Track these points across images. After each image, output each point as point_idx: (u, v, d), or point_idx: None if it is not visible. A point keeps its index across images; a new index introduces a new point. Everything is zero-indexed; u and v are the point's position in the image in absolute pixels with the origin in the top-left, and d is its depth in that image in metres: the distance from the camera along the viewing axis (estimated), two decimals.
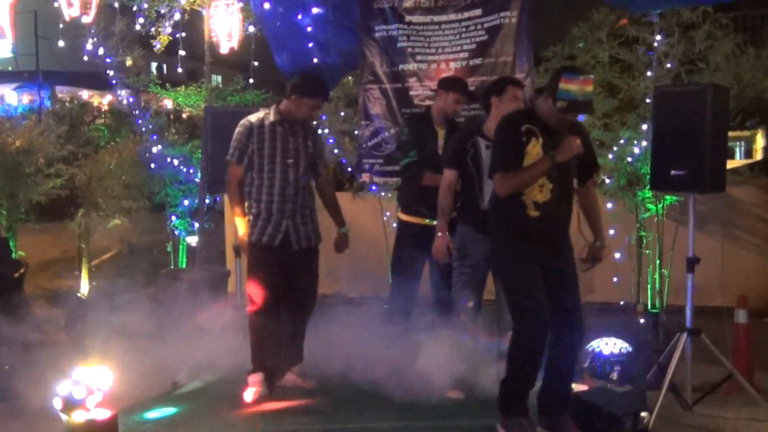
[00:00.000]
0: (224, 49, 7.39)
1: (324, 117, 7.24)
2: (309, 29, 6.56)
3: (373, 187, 6.51)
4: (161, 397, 4.65)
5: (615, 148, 6.44)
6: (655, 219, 6.37)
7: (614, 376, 4.35)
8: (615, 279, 6.18)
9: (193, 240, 7.69)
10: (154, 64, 24.63)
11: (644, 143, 6.09)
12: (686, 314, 4.49)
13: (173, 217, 7.81)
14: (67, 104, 20.23)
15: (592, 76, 3.70)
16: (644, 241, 6.45)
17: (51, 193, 7.65)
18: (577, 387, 4.20)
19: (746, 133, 14.50)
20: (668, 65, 6.20)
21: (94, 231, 7.83)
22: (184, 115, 11.50)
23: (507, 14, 5.83)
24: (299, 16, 6.58)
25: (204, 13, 7.42)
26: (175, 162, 7.64)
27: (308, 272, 4.72)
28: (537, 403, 3.90)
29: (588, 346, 4.59)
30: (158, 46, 7.63)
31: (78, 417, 3.17)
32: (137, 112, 7.71)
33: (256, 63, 8.05)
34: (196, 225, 7.55)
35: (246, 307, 4.70)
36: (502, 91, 4.46)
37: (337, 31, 6.55)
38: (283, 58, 6.75)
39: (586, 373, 4.50)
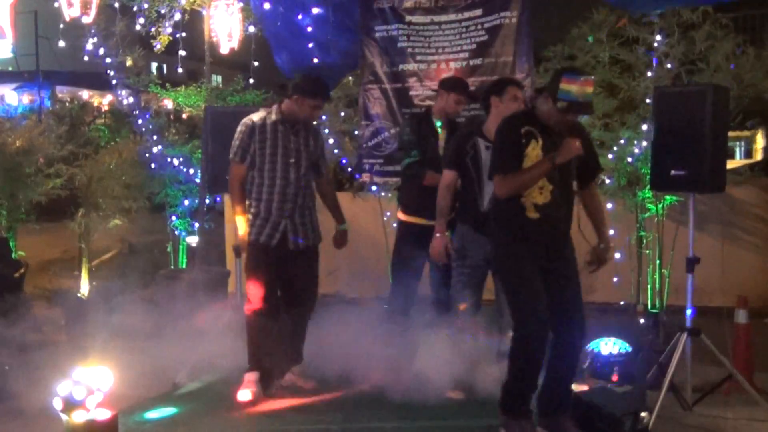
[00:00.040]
0: (224, 49, 7.39)
1: (324, 117, 7.24)
2: (309, 29, 6.57)
3: (373, 187, 6.51)
4: (161, 397, 4.65)
5: (615, 148, 6.45)
6: (655, 219, 6.37)
7: (614, 376, 4.34)
8: (615, 279, 6.18)
9: (193, 240, 7.69)
10: (154, 64, 24.65)
11: (644, 143, 6.09)
12: (686, 314, 4.49)
13: (173, 217, 7.81)
14: (67, 104, 20.21)
15: (592, 77, 3.70)
16: (644, 241, 6.45)
17: (51, 193, 7.65)
18: (577, 387, 4.20)
19: (746, 133, 14.52)
20: (668, 65, 6.20)
21: (94, 231, 7.82)
22: (184, 115, 11.50)
23: (507, 14, 5.84)
24: (299, 16, 6.58)
25: (204, 13, 7.42)
26: (175, 162, 7.64)
27: (308, 272, 4.72)
28: (537, 404, 3.90)
29: (588, 346, 4.59)
30: (158, 46, 7.62)
31: (78, 417, 3.17)
32: (137, 112, 7.70)
33: (256, 63, 8.05)
34: (196, 225, 7.55)
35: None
36: (502, 91, 4.46)
37: (337, 31, 6.55)
38: (283, 58, 6.76)
39: (586, 373, 4.50)
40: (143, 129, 7.72)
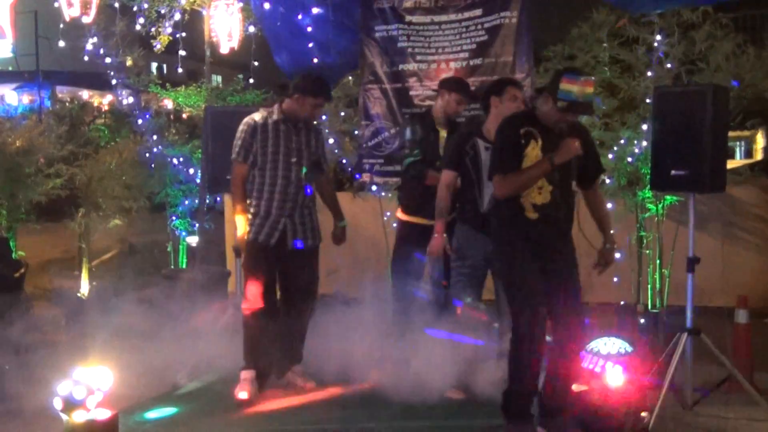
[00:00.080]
0: (224, 49, 7.39)
1: (324, 117, 7.24)
2: (309, 29, 6.56)
3: (373, 187, 6.51)
4: (161, 397, 4.65)
5: (615, 148, 6.45)
6: (655, 219, 6.37)
7: (614, 376, 4.33)
8: (615, 279, 6.18)
9: (193, 240, 7.69)
10: (154, 64, 24.64)
11: (644, 143, 6.09)
12: (686, 314, 4.49)
13: (173, 217, 7.81)
14: (67, 104, 20.20)
15: (593, 77, 3.70)
16: (644, 241, 6.45)
17: (51, 193, 7.65)
18: (577, 387, 4.19)
19: (746, 133, 14.52)
20: (668, 65, 6.20)
21: (94, 231, 7.83)
22: (184, 115, 11.52)
23: (507, 14, 5.83)
24: (299, 16, 6.58)
25: (204, 13, 7.43)
26: (175, 162, 7.64)
27: (307, 272, 4.72)
28: (537, 404, 3.90)
29: (588, 346, 4.59)
30: (158, 46, 7.63)
31: (78, 417, 3.17)
32: (137, 112, 7.70)
33: (256, 63, 8.06)
34: (196, 225, 7.55)
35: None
36: (502, 91, 4.45)
37: (337, 31, 6.54)
38: (283, 58, 6.75)
39: (586, 373, 4.49)
40: (143, 129, 7.72)
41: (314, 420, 4.23)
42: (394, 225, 5.44)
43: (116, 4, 7.28)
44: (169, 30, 7.51)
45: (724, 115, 4.46)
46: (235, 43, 7.40)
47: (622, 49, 6.74)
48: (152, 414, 4.34)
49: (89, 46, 7.26)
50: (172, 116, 13.16)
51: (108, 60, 7.37)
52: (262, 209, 4.59)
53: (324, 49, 6.61)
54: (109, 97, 19.32)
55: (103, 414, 3.21)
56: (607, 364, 4.42)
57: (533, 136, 3.74)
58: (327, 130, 7.28)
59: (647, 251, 6.45)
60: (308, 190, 4.69)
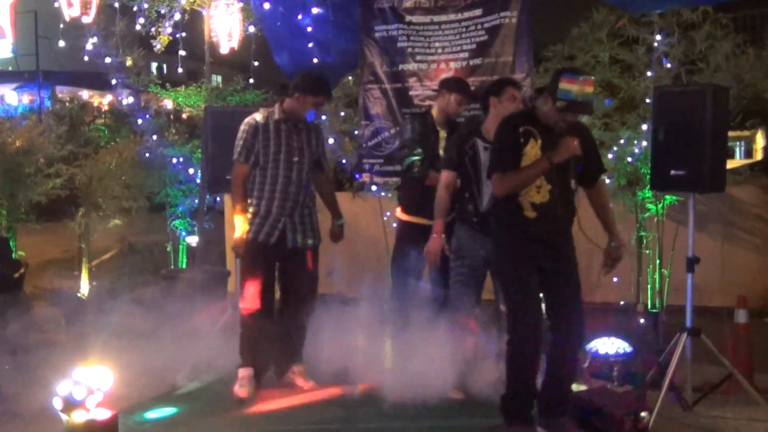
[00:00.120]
0: (224, 49, 7.39)
1: (324, 117, 7.24)
2: (309, 29, 6.56)
3: (373, 187, 6.51)
4: (161, 397, 4.65)
5: (615, 148, 6.45)
6: (655, 219, 6.37)
7: (614, 376, 4.34)
8: (615, 279, 6.18)
9: (193, 240, 7.69)
10: (154, 64, 24.64)
11: (644, 143, 6.09)
12: (686, 314, 4.49)
13: (173, 217, 7.81)
14: (67, 104, 20.21)
15: (592, 77, 3.70)
16: (644, 241, 6.45)
17: (51, 193, 7.66)
18: (577, 387, 4.20)
19: (746, 133, 14.52)
20: (668, 65, 6.20)
21: (94, 231, 7.83)
22: (184, 115, 11.50)
23: (507, 14, 5.83)
24: (299, 16, 6.57)
25: (204, 13, 7.42)
26: (175, 162, 7.64)
27: (307, 272, 4.72)
28: (537, 404, 3.90)
29: (588, 346, 4.59)
30: (158, 46, 7.63)
31: (78, 417, 3.17)
32: (137, 112, 7.70)
33: (256, 63, 8.05)
34: (196, 225, 7.55)
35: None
36: (501, 91, 4.45)
37: (337, 31, 6.54)
38: (283, 58, 6.75)
39: (587, 373, 4.50)
40: (143, 129, 7.72)
41: (314, 420, 4.24)
42: (394, 225, 5.44)
43: (116, 4, 7.28)
44: (169, 30, 7.51)
45: (724, 115, 4.46)
46: (235, 43, 7.39)
47: (622, 49, 6.74)
48: (152, 414, 4.34)
49: (89, 46, 7.25)
50: (172, 116, 13.15)
51: (108, 60, 7.36)
52: (263, 208, 4.60)
53: (324, 49, 6.61)
54: (109, 97, 19.31)
55: (103, 414, 3.21)
56: (607, 364, 4.44)
57: (532, 135, 3.74)
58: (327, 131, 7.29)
59: (647, 251, 6.45)
60: (306, 189, 4.70)
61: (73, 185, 7.81)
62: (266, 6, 6.57)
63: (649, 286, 6.40)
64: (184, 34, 7.62)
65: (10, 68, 23.11)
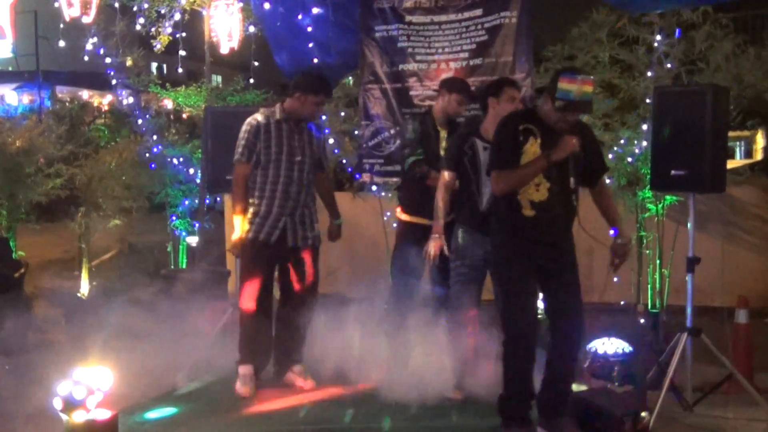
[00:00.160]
0: (224, 49, 7.39)
1: (324, 117, 7.24)
2: (309, 29, 6.56)
3: (373, 187, 6.51)
4: (161, 397, 4.64)
5: (615, 148, 6.45)
6: (655, 219, 6.38)
7: (614, 376, 4.34)
8: (615, 279, 6.18)
9: (193, 240, 7.70)
10: (154, 64, 24.66)
11: (644, 143, 6.09)
12: (686, 314, 4.49)
13: (173, 217, 7.82)
14: (67, 104, 20.23)
15: (591, 76, 3.69)
16: (644, 241, 6.45)
17: (51, 193, 7.67)
18: (577, 387, 4.20)
19: (746, 133, 14.51)
20: (668, 65, 6.20)
21: (94, 231, 7.83)
22: (184, 115, 11.53)
23: (507, 14, 5.83)
24: (299, 16, 6.58)
25: (204, 13, 7.43)
26: (175, 162, 7.65)
27: (307, 271, 4.73)
28: (537, 404, 3.90)
29: (588, 346, 4.59)
30: (158, 46, 7.63)
31: (78, 417, 3.17)
32: (137, 112, 7.71)
33: (256, 63, 8.06)
34: (196, 225, 7.55)
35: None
36: (499, 92, 4.45)
37: (337, 31, 6.55)
38: (283, 58, 6.76)
39: (587, 373, 4.50)
40: (143, 129, 7.72)
41: (314, 420, 4.23)
42: (394, 225, 5.44)
43: (116, 4, 7.29)
44: (169, 30, 7.51)
45: (724, 115, 4.46)
46: (235, 43, 7.39)
47: (622, 49, 6.74)
48: (152, 414, 4.34)
49: (89, 46, 7.26)
50: (172, 116, 13.17)
51: (108, 60, 7.37)
52: (263, 208, 4.60)
53: (324, 49, 6.61)
54: (109, 97, 19.34)
55: (103, 414, 3.21)
56: (607, 364, 4.44)
57: (532, 133, 3.74)
58: (327, 130, 7.29)
59: (647, 251, 6.45)
60: (307, 189, 4.72)
61: (73, 185, 7.82)
62: (266, 6, 6.57)
63: (649, 286, 6.40)
64: (184, 34, 7.62)
65: (10, 68, 23.14)
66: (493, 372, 4.26)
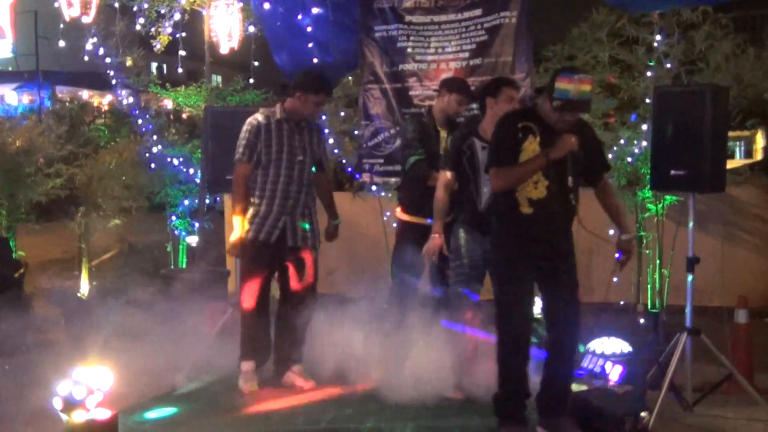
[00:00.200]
0: (224, 49, 7.39)
1: (324, 117, 7.24)
2: (309, 29, 6.56)
3: (373, 187, 6.51)
4: (161, 397, 4.64)
5: (615, 148, 6.45)
6: (655, 219, 6.37)
7: (614, 376, 4.34)
8: (615, 279, 6.19)
9: (193, 240, 7.70)
10: (154, 64, 24.66)
11: (644, 143, 6.09)
12: (686, 314, 4.49)
13: (173, 217, 7.82)
14: (67, 104, 20.22)
15: (589, 76, 3.69)
16: (644, 241, 6.45)
17: (51, 193, 7.66)
18: (577, 387, 4.20)
19: (746, 133, 14.51)
20: (668, 65, 6.20)
21: (94, 231, 7.83)
22: (184, 115, 11.52)
23: (507, 14, 5.83)
24: (299, 16, 6.58)
25: (204, 13, 7.43)
26: (175, 162, 7.65)
27: (306, 271, 4.73)
28: (536, 404, 3.90)
29: (588, 346, 4.59)
30: (158, 46, 7.63)
31: (78, 417, 3.17)
32: (137, 112, 7.71)
33: (256, 63, 8.06)
34: (196, 225, 7.55)
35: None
36: (497, 92, 4.44)
37: (337, 31, 6.55)
38: (283, 58, 6.76)
39: (586, 373, 4.50)
40: (143, 129, 7.72)
41: (314, 420, 4.23)
42: (394, 225, 5.45)
43: (116, 4, 7.29)
44: (169, 30, 7.51)
45: (724, 115, 4.46)
46: (235, 43, 7.40)
47: (622, 49, 6.74)
48: (152, 414, 4.34)
49: (89, 46, 7.26)
50: (172, 116, 13.17)
51: (108, 60, 7.37)
52: (263, 207, 4.61)
53: (324, 49, 6.61)
54: (109, 97, 19.34)
55: (103, 414, 3.21)
56: (607, 364, 4.44)
57: (531, 131, 3.75)
58: (327, 130, 7.29)
59: (647, 251, 6.45)
60: (307, 189, 4.72)
61: (73, 185, 7.82)
62: (266, 6, 6.57)
63: (649, 286, 6.40)
64: (184, 34, 7.63)
65: (10, 68, 23.14)
66: (493, 372, 4.27)
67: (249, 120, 4.65)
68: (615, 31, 6.78)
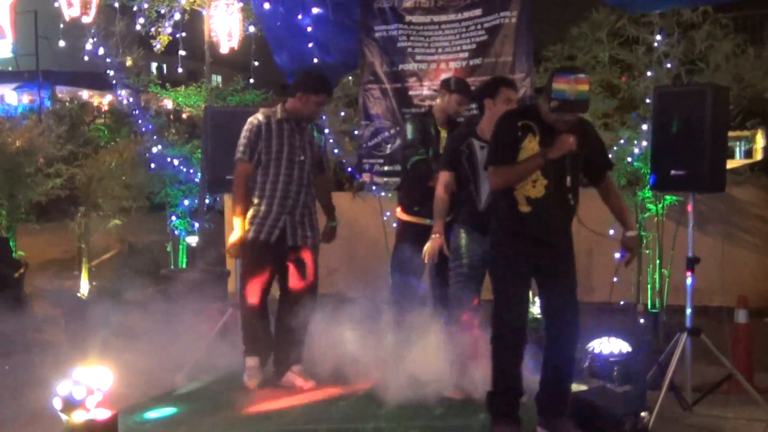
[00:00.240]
0: (224, 49, 7.39)
1: (324, 117, 7.24)
2: (309, 29, 6.57)
3: (373, 187, 6.50)
4: (161, 397, 4.65)
5: (615, 148, 6.44)
6: (655, 219, 6.37)
7: (614, 376, 4.34)
8: (615, 279, 6.18)
9: (193, 240, 7.70)
10: (154, 64, 24.68)
11: (644, 143, 6.09)
12: (686, 314, 4.49)
13: (173, 217, 7.82)
14: (67, 104, 20.24)
15: (585, 75, 3.65)
16: (644, 241, 6.44)
17: (51, 193, 7.67)
18: (577, 387, 4.20)
19: (746, 133, 14.53)
20: (668, 65, 6.19)
21: (94, 231, 7.83)
22: (184, 115, 11.53)
23: (507, 14, 5.83)
24: (299, 16, 6.58)
25: (204, 13, 7.42)
26: (175, 162, 7.65)
27: (306, 271, 4.74)
28: (536, 404, 3.90)
29: (588, 346, 4.59)
30: (158, 46, 7.63)
31: (78, 417, 3.17)
32: (137, 112, 7.71)
33: (256, 63, 8.06)
34: (196, 225, 7.55)
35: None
36: (496, 93, 4.44)
37: (337, 31, 6.55)
38: (283, 58, 6.76)
39: (586, 373, 4.50)
40: (143, 129, 7.72)
41: (314, 420, 4.23)
42: (394, 225, 5.45)
43: (116, 4, 7.29)
44: (169, 30, 7.51)
45: (724, 115, 4.46)
46: (235, 43, 7.39)
47: (622, 49, 6.74)
48: (152, 414, 4.34)
49: (89, 46, 7.26)
50: (171, 116, 13.18)
51: (108, 60, 7.37)
52: (263, 207, 4.62)
53: (324, 49, 6.61)
54: (109, 97, 19.34)
55: (103, 414, 3.21)
56: (607, 364, 4.44)
57: (531, 129, 3.75)
58: (327, 130, 7.29)
59: (647, 251, 6.44)
60: (307, 189, 4.73)
61: (73, 185, 7.82)
62: (266, 6, 6.57)
63: (649, 286, 6.40)
64: (184, 34, 7.63)
65: (10, 68, 23.15)
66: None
67: (250, 119, 4.67)
68: (615, 31, 6.77)
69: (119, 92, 7.60)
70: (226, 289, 6.50)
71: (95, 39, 7.23)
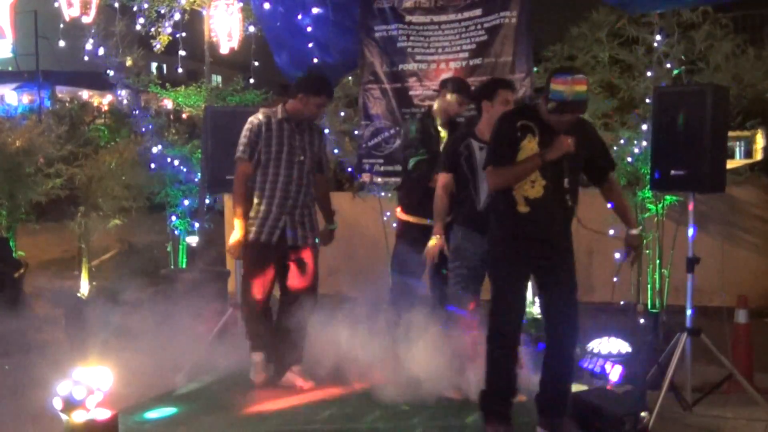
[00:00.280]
0: (224, 49, 7.39)
1: (324, 117, 7.24)
2: (309, 29, 6.56)
3: (373, 187, 6.50)
4: (161, 397, 4.65)
5: (615, 148, 6.44)
6: (655, 219, 6.37)
7: (614, 376, 4.34)
8: (615, 279, 6.18)
9: (193, 240, 7.70)
10: (154, 64, 24.67)
11: (644, 143, 6.09)
12: (686, 314, 4.49)
13: (173, 217, 7.82)
14: (67, 104, 20.23)
15: (582, 75, 3.65)
16: (644, 241, 6.44)
17: (51, 193, 7.67)
18: (577, 387, 4.20)
19: (746, 133, 14.53)
20: (668, 65, 6.19)
21: (94, 231, 7.83)
22: (184, 115, 11.51)
23: (507, 14, 5.82)
24: (299, 16, 6.58)
25: (204, 13, 7.42)
26: (175, 162, 7.65)
27: (307, 271, 4.74)
28: (536, 404, 3.90)
29: (588, 346, 4.59)
30: (158, 46, 7.63)
31: (78, 417, 3.17)
32: (137, 112, 7.71)
33: (256, 63, 8.06)
34: (196, 225, 7.55)
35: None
36: (493, 94, 4.43)
37: (337, 31, 6.54)
38: (283, 58, 6.76)
39: (586, 373, 4.50)
40: (143, 129, 7.72)
41: (313, 420, 4.23)
42: (394, 225, 5.45)
43: (116, 4, 7.29)
44: (169, 30, 7.51)
45: (724, 115, 4.46)
46: (235, 43, 7.39)
47: (622, 49, 6.73)
48: (152, 414, 4.34)
49: (89, 46, 7.26)
50: (171, 116, 13.17)
51: (108, 60, 7.36)
52: (263, 207, 4.62)
53: (324, 49, 6.61)
54: (109, 97, 19.34)
55: (103, 414, 3.21)
56: (607, 364, 4.44)
57: (530, 130, 3.75)
58: (327, 130, 7.29)
59: (647, 251, 6.44)
60: (307, 189, 4.73)
61: (73, 185, 7.82)
62: (266, 6, 6.57)
63: (649, 286, 6.40)
64: (184, 34, 7.62)
65: (10, 68, 23.15)
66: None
67: (250, 119, 4.68)
68: (615, 31, 6.77)
69: (119, 92, 7.61)
70: (226, 289, 6.50)
71: (95, 39, 7.23)
